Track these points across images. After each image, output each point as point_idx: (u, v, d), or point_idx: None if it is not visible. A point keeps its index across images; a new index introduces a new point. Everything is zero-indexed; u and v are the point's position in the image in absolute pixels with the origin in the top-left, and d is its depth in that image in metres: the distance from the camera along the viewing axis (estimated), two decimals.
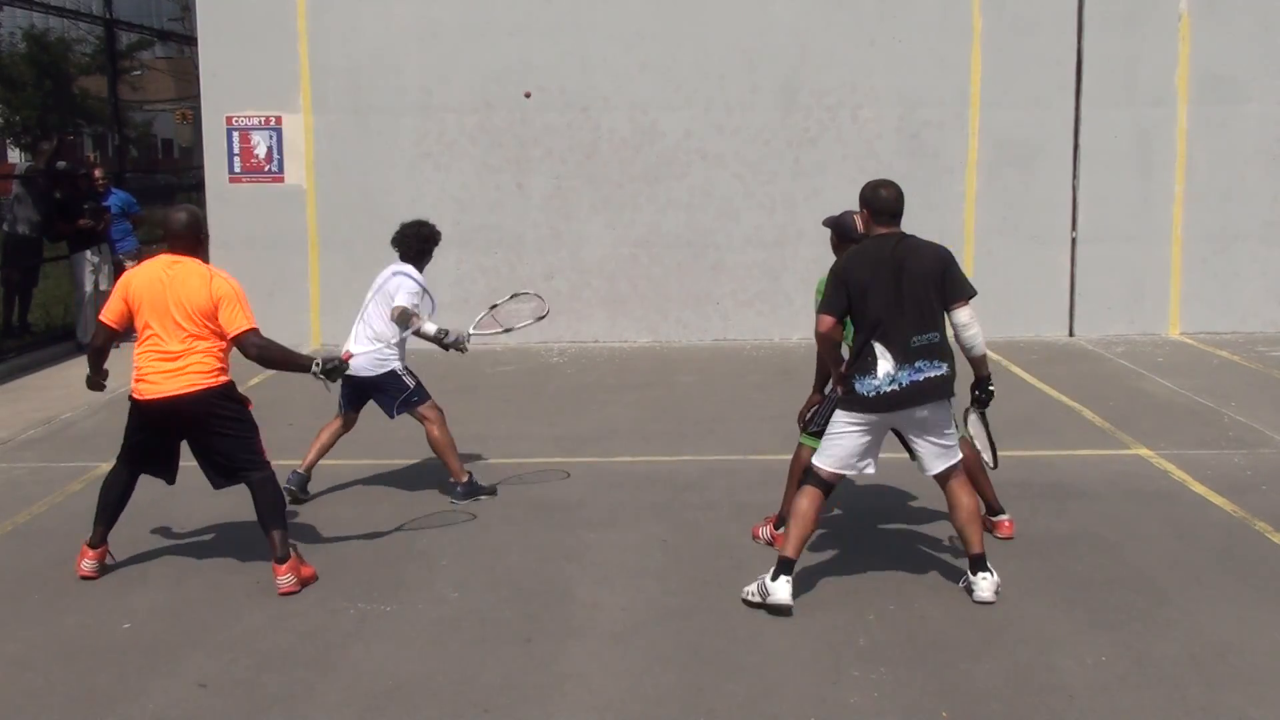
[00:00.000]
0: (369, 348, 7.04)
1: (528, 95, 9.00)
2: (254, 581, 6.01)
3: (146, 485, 6.47)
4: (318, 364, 5.98)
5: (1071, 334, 12.87)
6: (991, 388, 5.81)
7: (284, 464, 7.01)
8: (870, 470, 5.72)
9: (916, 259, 5.52)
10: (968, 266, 12.83)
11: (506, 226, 12.79)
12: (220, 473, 6.09)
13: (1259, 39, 12.66)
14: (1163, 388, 10.32)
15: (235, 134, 12.76)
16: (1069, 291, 12.91)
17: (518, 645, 5.25)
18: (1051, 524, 6.77)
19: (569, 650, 5.20)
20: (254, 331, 5.91)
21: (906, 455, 5.90)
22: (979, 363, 5.71)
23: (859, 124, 12.76)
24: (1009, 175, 12.80)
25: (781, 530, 6.39)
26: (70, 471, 8.02)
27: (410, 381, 7.27)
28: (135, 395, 5.93)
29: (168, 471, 6.23)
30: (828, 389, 6.03)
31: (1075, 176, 12.82)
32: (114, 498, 6.16)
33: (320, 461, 7.40)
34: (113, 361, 6.29)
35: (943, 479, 5.69)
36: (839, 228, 6.11)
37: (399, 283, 7.18)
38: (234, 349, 5.98)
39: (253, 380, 10.68)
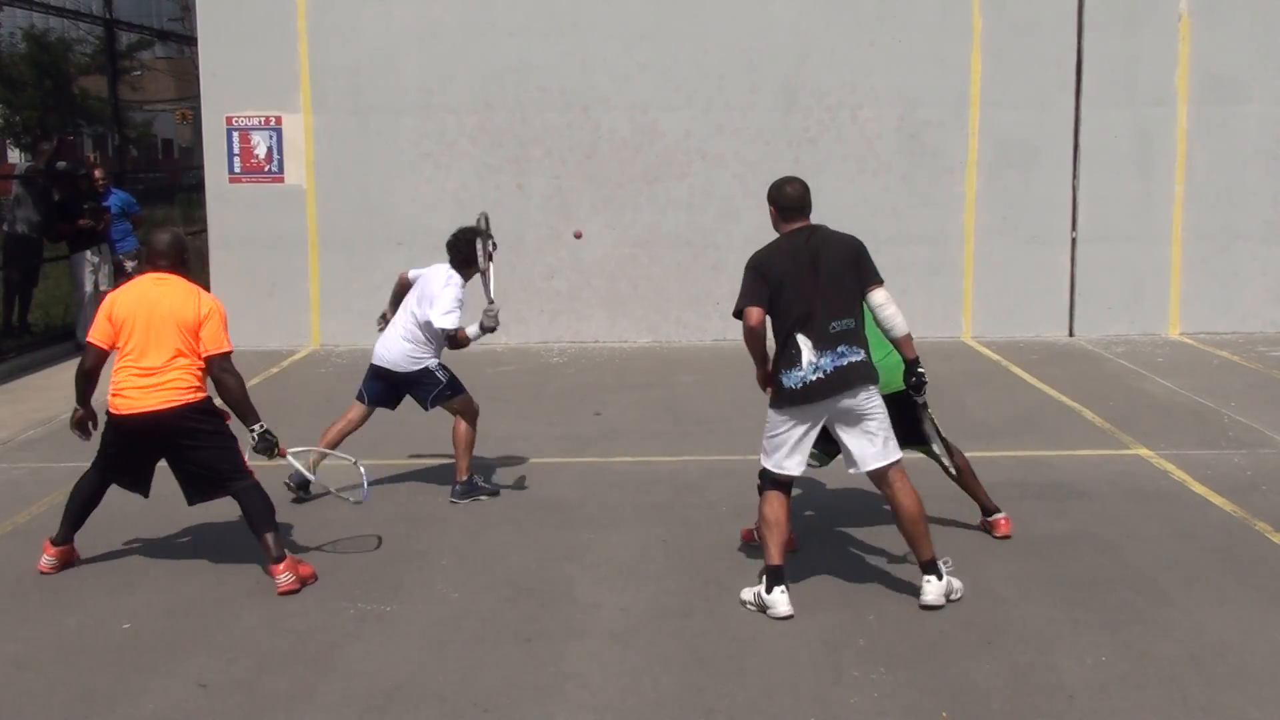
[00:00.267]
0: (405, 346, 7.28)
1: (578, 235, 9.07)
2: (254, 581, 6.01)
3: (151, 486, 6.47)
4: (261, 429, 6.02)
5: (1071, 334, 12.87)
6: (922, 369, 5.75)
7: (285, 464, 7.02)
8: (800, 472, 5.65)
9: (830, 248, 5.57)
10: (968, 266, 12.86)
11: (506, 226, 12.71)
12: (198, 488, 6.12)
13: (1259, 39, 12.66)
14: (1163, 388, 10.32)
15: (235, 134, 12.76)
16: (1069, 291, 12.91)
17: (518, 645, 5.25)
18: (1051, 524, 6.77)
19: (569, 650, 5.20)
20: (229, 356, 6.02)
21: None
22: (904, 344, 5.68)
23: (859, 124, 12.75)
24: (1009, 175, 12.80)
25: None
26: (70, 471, 8.00)
27: (443, 377, 7.38)
28: (112, 410, 5.96)
29: (141, 486, 6.23)
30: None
31: (1075, 176, 12.82)
32: (81, 502, 6.19)
33: (330, 451, 7.39)
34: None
35: (880, 479, 5.59)
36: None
37: (444, 295, 7.25)
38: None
39: (253, 381, 10.69)
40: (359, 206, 12.77)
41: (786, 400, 5.51)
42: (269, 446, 6.07)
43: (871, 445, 5.54)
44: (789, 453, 5.58)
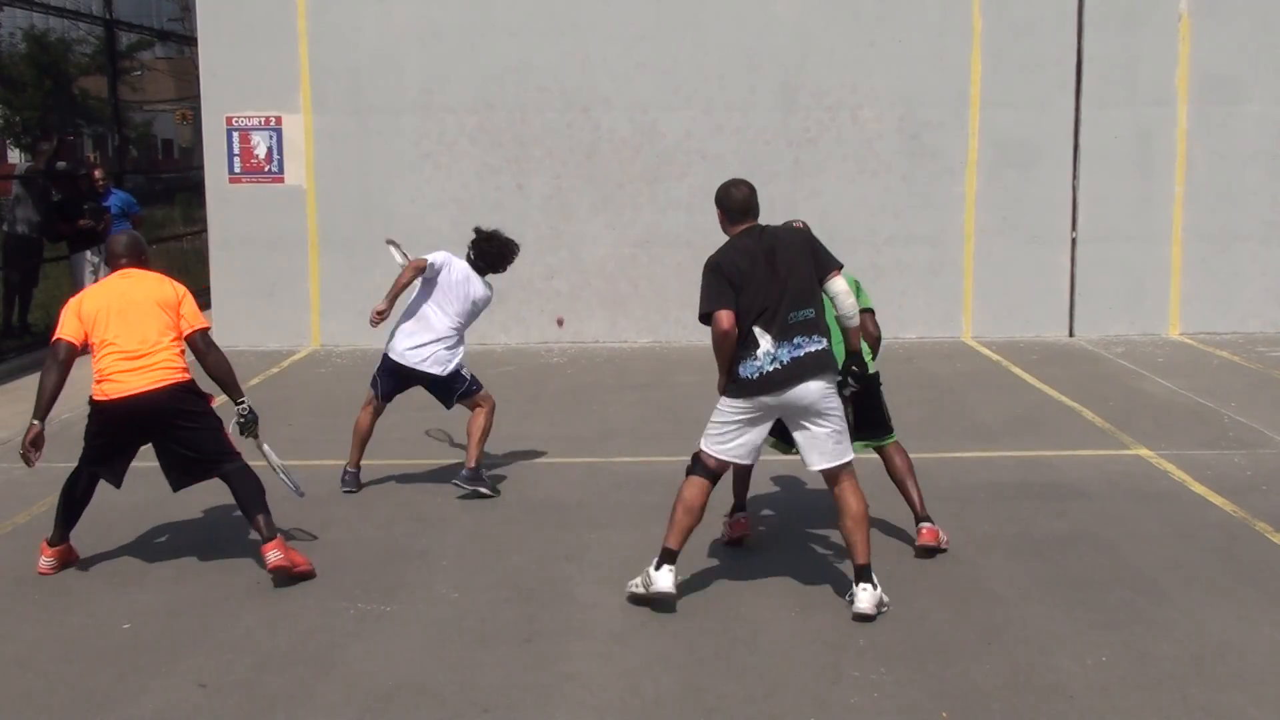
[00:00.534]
0: (443, 352, 7.35)
1: (560, 323, 8.97)
2: (254, 581, 6.01)
3: (149, 485, 6.49)
4: (246, 405, 6.18)
5: (1071, 334, 12.87)
6: (866, 361, 5.70)
7: (286, 464, 7.02)
8: (749, 462, 5.66)
9: (783, 242, 5.57)
10: (968, 266, 12.86)
11: (506, 226, 12.61)
12: (185, 471, 6.12)
13: (1259, 39, 12.66)
14: (1163, 388, 10.32)
15: (235, 134, 12.76)
16: (1069, 291, 12.91)
17: (518, 645, 5.25)
18: (1051, 524, 6.77)
19: (569, 650, 5.20)
20: (209, 331, 6.20)
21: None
22: (853, 335, 5.67)
23: (859, 124, 12.75)
24: (1009, 175, 12.80)
25: (737, 516, 6.42)
26: (70, 472, 8.02)
27: (468, 375, 7.50)
28: (99, 397, 5.96)
29: (118, 474, 6.20)
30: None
31: (1075, 176, 12.82)
32: (72, 501, 6.18)
33: (319, 463, 7.40)
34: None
35: (831, 478, 5.54)
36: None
37: (489, 300, 7.59)
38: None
39: (253, 381, 10.69)
40: (359, 206, 12.77)
41: (742, 389, 5.46)
42: (251, 423, 6.22)
43: (824, 445, 5.49)
44: (734, 442, 5.54)
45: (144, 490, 6.87)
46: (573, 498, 7.41)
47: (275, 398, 9.91)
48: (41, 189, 12.83)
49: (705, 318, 5.49)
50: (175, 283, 6.21)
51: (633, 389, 10.67)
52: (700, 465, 5.61)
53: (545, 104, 12.73)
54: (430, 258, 7.39)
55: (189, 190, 18.82)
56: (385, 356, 7.48)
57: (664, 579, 5.50)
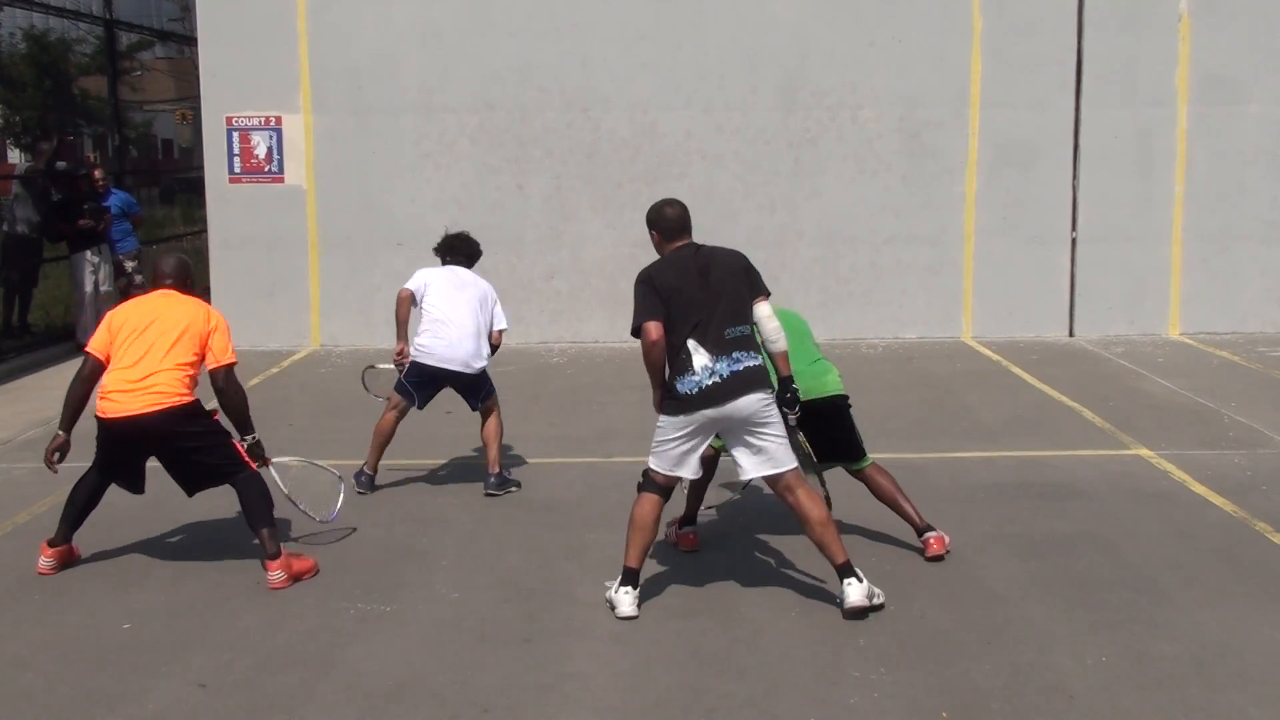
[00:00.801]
0: (483, 348, 7.51)
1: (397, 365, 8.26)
2: (253, 581, 6.01)
3: (149, 485, 6.48)
4: (254, 439, 6.18)
5: (1071, 334, 12.87)
6: (796, 388, 5.68)
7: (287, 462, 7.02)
8: (694, 475, 5.66)
9: (719, 260, 5.60)
10: (968, 266, 12.86)
11: (506, 227, 12.78)
12: (196, 482, 6.16)
13: (1259, 39, 12.66)
14: (1163, 388, 10.32)
15: (235, 134, 12.76)
16: (1069, 291, 12.91)
17: (518, 645, 5.25)
18: (1051, 524, 6.77)
19: (569, 650, 5.20)
20: (234, 368, 6.17)
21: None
22: (781, 360, 5.66)
23: (859, 124, 12.75)
24: (1009, 175, 12.80)
25: (685, 530, 6.42)
26: (70, 472, 8.00)
27: (489, 375, 7.68)
28: (99, 413, 5.99)
29: (133, 484, 6.24)
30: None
31: (1075, 176, 12.82)
32: (80, 502, 6.20)
33: (318, 462, 7.39)
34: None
35: (783, 487, 5.52)
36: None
37: (496, 299, 7.69)
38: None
39: (253, 381, 10.69)
40: (359, 206, 12.77)
41: (681, 406, 5.45)
42: (258, 457, 6.19)
43: (767, 453, 5.48)
44: (679, 459, 5.55)
45: (145, 490, 6.87)
46: (573, 498, 7.41)
47: (275, 398, 9.91)
48: (41, 189, 12.83)
49: (636, 331, 5.50)
50: (214, 312, 6.22)
51: (633, 389, 10.64)
52: (650, 482, 5.62)
53: (545, 104, 12.73)
54: (410, 285, 7.57)
55: (188, 191, 18.83)
56: (418, 365, 7.49)
57: (625, 604, 5.51)
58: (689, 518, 6.46)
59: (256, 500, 6.06)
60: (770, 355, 5.65)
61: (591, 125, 12.76)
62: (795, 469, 5.54)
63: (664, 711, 4.67)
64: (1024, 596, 5.72)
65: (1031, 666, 4.99)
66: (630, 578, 5.56)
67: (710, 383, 5.40)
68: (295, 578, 5.95)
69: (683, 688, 4.84)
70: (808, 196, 12.75)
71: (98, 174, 13.29)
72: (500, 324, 7.67)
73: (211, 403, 6.16)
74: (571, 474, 7.93)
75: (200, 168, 13.61)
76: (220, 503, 6.81)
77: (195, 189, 16.25)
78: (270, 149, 12.77)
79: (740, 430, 5.49)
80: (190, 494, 6.28)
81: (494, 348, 7.67)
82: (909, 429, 8.92)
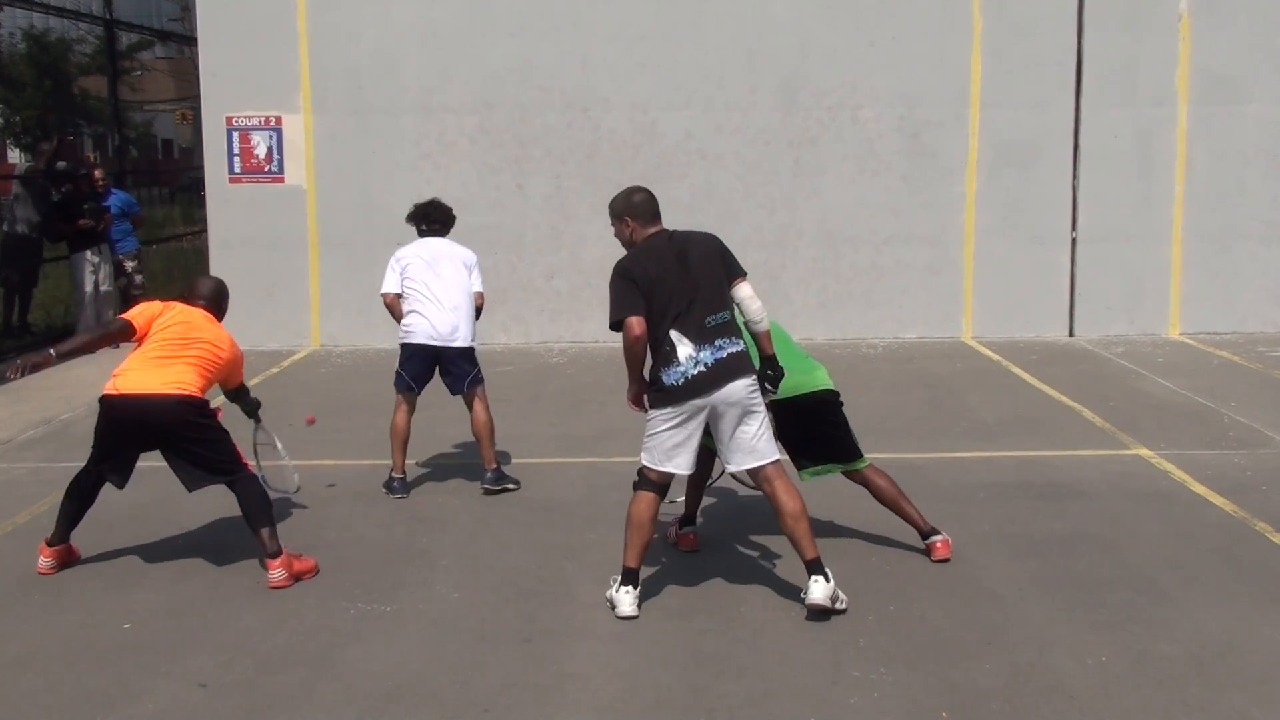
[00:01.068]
0: (471, 320, 7.46)
1: (310, 421, 7.95)
2: (254, 581, 6.01)
3: (149, 485, 6.49)
4: (255, 400, 6.82)
5: (1071, 334, 12.87)
6: (781, 366, 5.69)
7: (289, 463, 7.03)
8: (689, 471, 5.64)
9: (695, 245, 5.59)
10: (968, 266, 12.86)
11: (506, 226, 12.79)
12: (195, 477, 6.17)
13: (1259, 39, 12.66)
14: (1163, 388, 10.32)
15: (235, 134, 12.76)
16: (1069, 291, 12.91)
17: (518, 645, 5.25)
18: (1051, 524, 6.77)
19: (569, 650, 5.20)
20: (240, 385, 6.70)
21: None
22: (764, 340, 5.65)
23: (859, 124, 12.76)
24: (1009, 175, 12.80)
25: (685, 530, 6.42)
26: (70, 472, 7.99)
27: (476, 358, 7.58)
28: (109, 390, 5.99)
29: (121, 476, 6.20)
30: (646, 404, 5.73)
31: (1075, 176, 12.82)
32: (77, 501, 6.20)
33: (318, 462, 7.40)
34: (99, 362, 6.35)
35: (763, 478, 5.52)
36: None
37: (475, 263, 7.60)
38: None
39: (253, 381, 10.69)
40: (359, 206, 12.77)
41: (669, 397, 5.44)
42: (252, 413, 6.82)
43: (750, 444, 5.48)
44: (672, 452, 5.52)
45: (144, 490, 6.88)
46: (573, 498, 7.41)
47: (275, 398, 9.89)
48: (41, 189, 12.83)
49: (615, 325, 5.49)
50: (235, 344, 6.43)
51: None
52: (644, 480, 5.60)
53: (545, 104, 12.73)
54: (388, 287, 7.50)
55: (187, 191, 18.84)
56: (404, 345, 7.47)
57: (625, 604, 5.51)
58: (689, 518, 6.46)
59: (255, 501, 6.07)
60: (754, 335, 5.64)
61: (591, 125, 12.77)
62: (776, 461, 5.53)
63: (664, 711, 4.67)
64: (1024, 596, 5.72)
65: (1031, 666, 4.99)
66: (630, 577, 5.56)
67: (696, 372, 5.39)
68: (296, 577, 5.95)
69: (683, 687, 4.84)
70: (808, 196, 12.75)
71: (98, 174, 13.30)
72: (477, 286, 7.57)
73: (215, 401, 6.17)
74: (571, 474, 7.93)
75: (200, 167, 13.62)
76: (220, 503, 6.81)
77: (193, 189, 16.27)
78: (270, 149, 12.77)
79: (727, 418, 5.45)
80: (190, 489, 6.26)
81: (477, 310, 7.58)
82: (909, 429, 8.92)
